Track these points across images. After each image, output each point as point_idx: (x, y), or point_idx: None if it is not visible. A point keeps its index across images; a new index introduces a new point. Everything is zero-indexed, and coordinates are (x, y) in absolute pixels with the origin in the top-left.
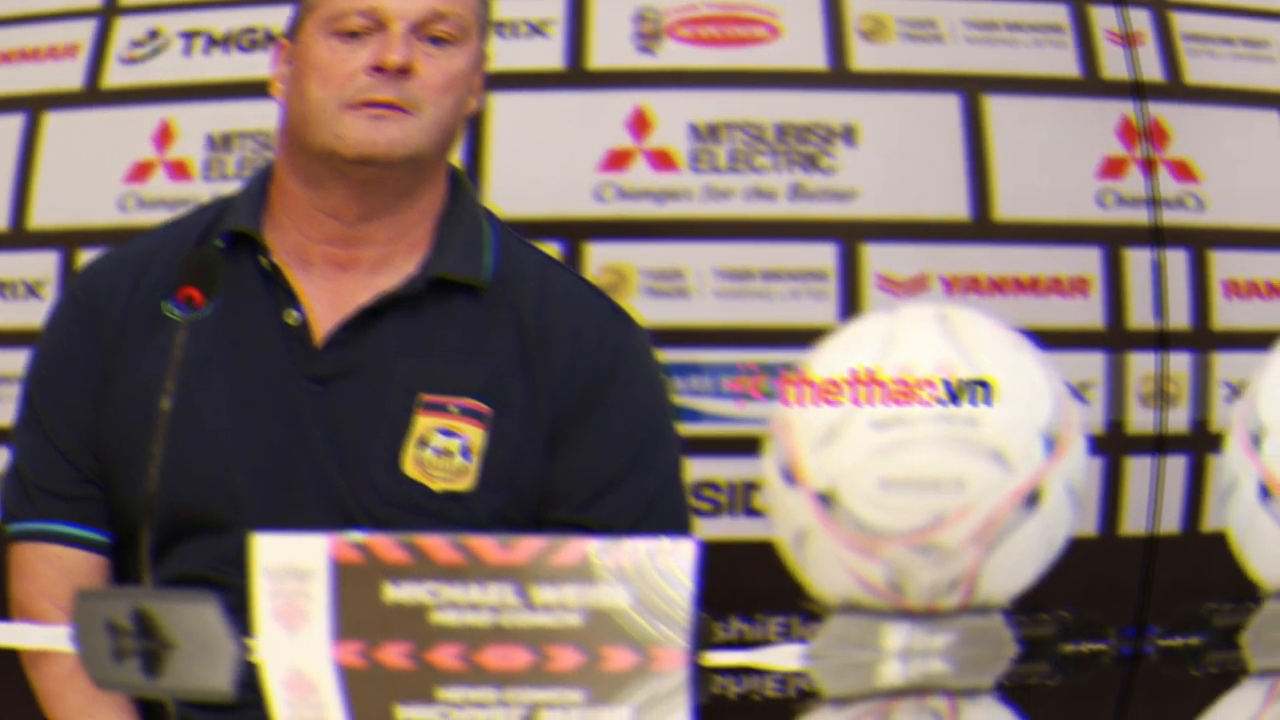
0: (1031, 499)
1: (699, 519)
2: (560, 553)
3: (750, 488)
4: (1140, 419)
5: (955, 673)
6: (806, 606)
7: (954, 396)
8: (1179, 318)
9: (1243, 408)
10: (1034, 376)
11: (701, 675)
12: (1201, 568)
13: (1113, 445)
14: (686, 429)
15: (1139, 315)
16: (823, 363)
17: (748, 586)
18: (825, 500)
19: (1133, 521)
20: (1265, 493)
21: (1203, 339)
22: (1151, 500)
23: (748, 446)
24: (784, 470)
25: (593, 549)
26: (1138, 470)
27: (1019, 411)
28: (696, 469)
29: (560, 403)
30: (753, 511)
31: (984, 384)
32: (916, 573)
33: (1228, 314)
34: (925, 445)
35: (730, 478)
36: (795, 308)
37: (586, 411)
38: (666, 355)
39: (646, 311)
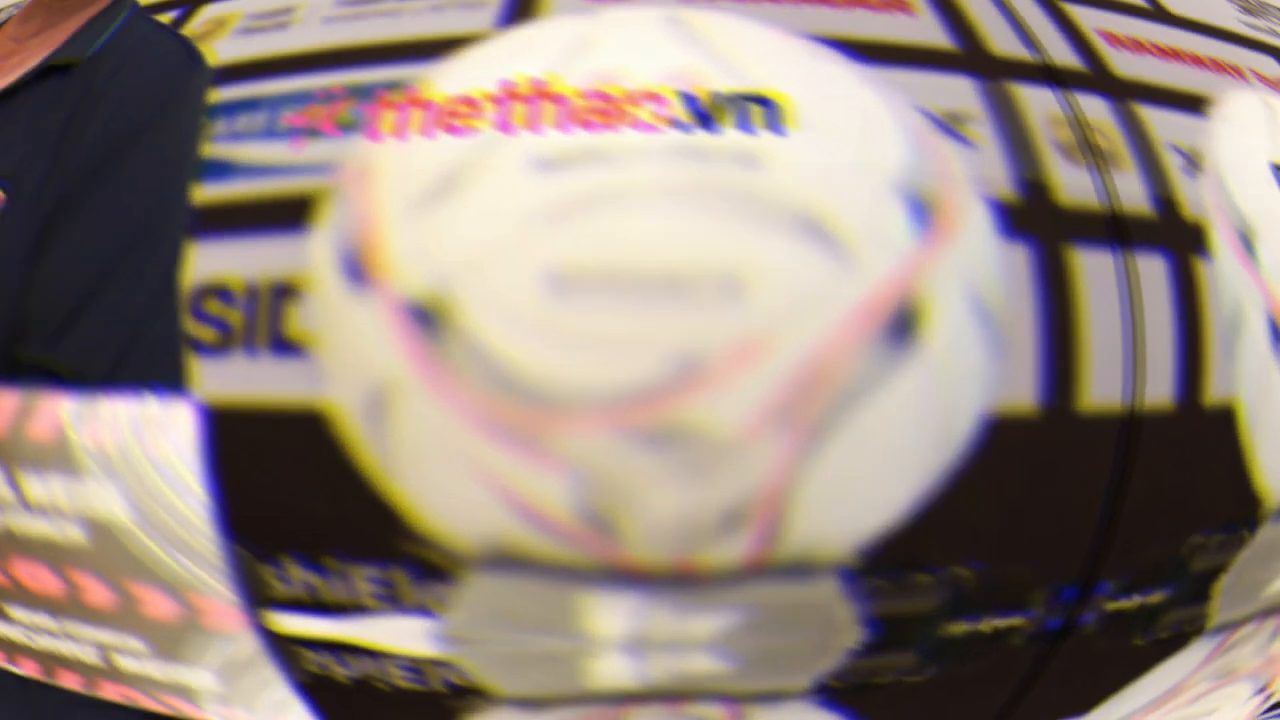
0: (901, 323)
1: (198, 357)
2: (35, 419)
3: (284, 295)
4: (1071, 182)
5: (740, 672)
6: (411, 551)
7: (704, 118)
8: (1061, 56)
9: (1212, 190)
10: (858, 95)
11: (281, 645)
12: (1196, 470)
13: (1037, 222)
14: (204, 194)
15: (1002, 45)
16: (454, 75)
17: (298, 501)
18: (426, 319)
19: (1101, 384)
20: (1277, 334)
21: (1109, 83)
22: (1129, 341)
23: (292, 216)
24: (346, 258)
25: (67, 415)
26: (1095, 275)
27: (844, 148)
28: (201, 264)
29: (66, 179)
30: (285, 345)
31: (764, 101)
32: (643, 492)
33: (1126, 65)
34: (649, 198)
35: (251, 277)
36: (433, 21)
37: (87, 189)
38: (223, 94)
39: (232, 50)
